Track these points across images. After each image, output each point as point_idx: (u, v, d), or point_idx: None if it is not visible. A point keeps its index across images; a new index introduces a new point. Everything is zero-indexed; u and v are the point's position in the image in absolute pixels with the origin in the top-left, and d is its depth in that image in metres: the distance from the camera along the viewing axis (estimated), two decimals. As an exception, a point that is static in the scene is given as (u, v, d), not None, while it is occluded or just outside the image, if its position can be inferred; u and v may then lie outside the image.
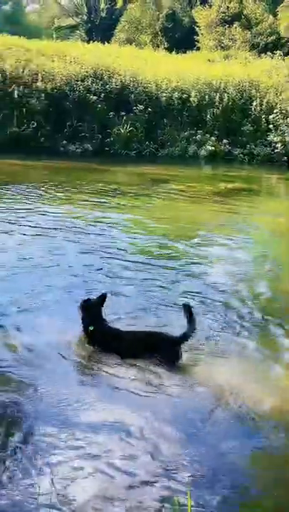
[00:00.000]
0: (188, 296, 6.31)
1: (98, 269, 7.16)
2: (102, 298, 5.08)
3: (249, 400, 4.41)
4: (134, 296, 6.36)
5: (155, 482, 3.47)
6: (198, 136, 17.51)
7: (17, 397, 4.26)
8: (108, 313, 5.24)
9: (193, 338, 4.93)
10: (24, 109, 16.75)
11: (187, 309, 4.95)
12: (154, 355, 4.81)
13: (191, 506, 3.06)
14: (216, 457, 3.78)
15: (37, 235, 8.54)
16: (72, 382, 4.63)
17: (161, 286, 6.69)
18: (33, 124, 16.59)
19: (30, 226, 8.96)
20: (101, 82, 17.88)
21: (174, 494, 3.30)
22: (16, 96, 16.84)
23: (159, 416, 4.14)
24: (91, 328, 4.95)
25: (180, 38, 29.70)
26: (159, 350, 4.83)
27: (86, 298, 5.15)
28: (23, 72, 17.41)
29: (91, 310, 5.02)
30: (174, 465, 3.64)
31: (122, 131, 17.06)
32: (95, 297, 5.17)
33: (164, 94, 17.95)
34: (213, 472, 3.61)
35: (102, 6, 31.29)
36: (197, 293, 6.50)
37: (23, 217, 9.51)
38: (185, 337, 4.86)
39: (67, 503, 3.24)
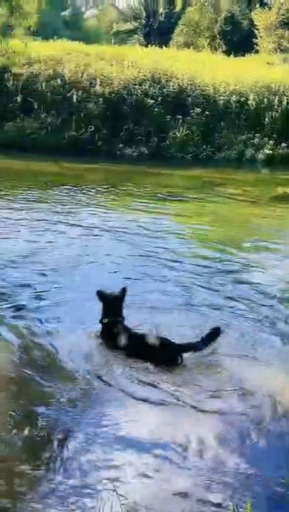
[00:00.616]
0: (236, 300, 6.24)
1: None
2: (123, 292, 5.09)
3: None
4: (178, 296, 6.33)
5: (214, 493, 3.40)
6: (256, 139, 17.26)
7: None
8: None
9: (200, 351, 4.80)
10: (82, 114, 16.98)
11: (214, 331, 4.86)
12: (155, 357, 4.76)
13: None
14: (274, 470, 3.68)
15: (89, 235, 8.64)
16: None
17: (208, 288, 6.61)
18: (91, 128, 16.78)
19: (82, 226, 9.09)
20: (158, 86, 17.91)
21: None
22: (74, 100, 17.09)
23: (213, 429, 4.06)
24: (105, 320, 5.01)
25: (238, 40, 29.46)
26: (161, 354, 4.77)
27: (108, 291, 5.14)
28: (81, 76, 17.66)
29: (111, 302, 5.05)
30: (232, 476, 3.57)
31: (179, 134, 17.02)
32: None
33: (222, 98, 17.82)
34: (272, 484, 3.51)
35: (161, 9, 31.36)
36: (244, 298, 6.38)
37: (78, 218, 9.65)
38: (188, 347, 4.79)
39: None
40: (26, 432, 3.83)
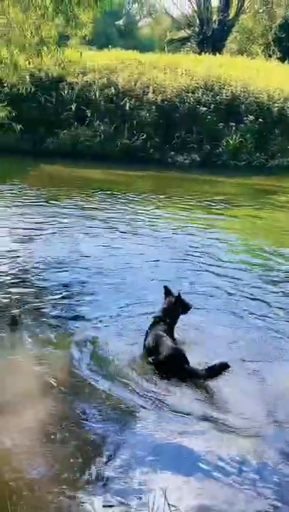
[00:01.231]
0: (274, 310, 6.21)
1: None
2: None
3: None
4: (219, 306, 6.32)
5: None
6: (311, 146, 16.96)
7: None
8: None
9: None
10: (135, 121, 17.10)
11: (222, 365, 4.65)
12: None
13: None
14: None
15: (138, 244, 8.70)
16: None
17: (251, 299, 6.56)
18: (143, 135, 16.88)
19: (133, 233, 9.22)
20: (211, 94, 17.85)
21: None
22: (127, 108, 17.24)
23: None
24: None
25: (293, 47, 29.00)
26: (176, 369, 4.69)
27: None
28: (135, 85, 17.80)
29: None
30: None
31: (231, 141, 16.90)
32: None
33: (276, 105, 17.60)
34: None
35: (214, 17, 31.24)
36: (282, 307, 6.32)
37: (129, 224, 9.73)
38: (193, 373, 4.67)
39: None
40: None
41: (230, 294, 6.70)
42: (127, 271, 7.31)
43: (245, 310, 6.24)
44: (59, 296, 6.37)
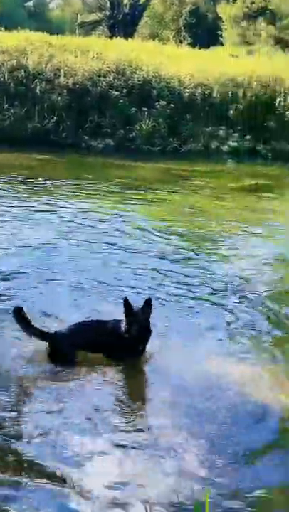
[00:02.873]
0: (191, 293, 6.35)
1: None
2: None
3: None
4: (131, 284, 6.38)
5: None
6: (221, 132, 17.30)
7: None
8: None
9: None
10: (46, 105, 16.75)
11: None
12: None
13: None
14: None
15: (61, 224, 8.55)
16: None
17: (172, 281, 6.68)
18: (55, 119, 16.57)
19: (43, 220, 9.03)
20: (123, 78, 17.79)
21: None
22: (38, 91, 16.85)
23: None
24: None
25: (203, 33, 29.48)
26: None
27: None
28: (45, 67, 17.41)
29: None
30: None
31: (144, 126, 16.94)
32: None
33: (187, 90, 17.79)
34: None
35: (125, 1, 31.14)
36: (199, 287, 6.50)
37: (40, 211, 9.54)
38: None
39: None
40: None
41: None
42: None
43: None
44: None
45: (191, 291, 6.43)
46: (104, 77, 17.61)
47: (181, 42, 28.00)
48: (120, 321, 4.83)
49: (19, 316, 4.73)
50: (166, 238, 8.49)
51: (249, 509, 3.20)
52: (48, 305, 5.74)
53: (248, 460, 3.66)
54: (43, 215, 9.33)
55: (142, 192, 11.71)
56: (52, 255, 7.43)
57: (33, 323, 4.74)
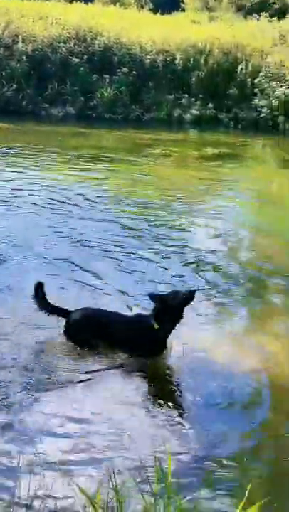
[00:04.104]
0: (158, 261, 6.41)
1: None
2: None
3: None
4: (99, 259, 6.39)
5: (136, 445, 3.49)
6: (184, 99, 17.22)
7: None
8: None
9: None
10: (4, 72, 16.35)
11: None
12: None
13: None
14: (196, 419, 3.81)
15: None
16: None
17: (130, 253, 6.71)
18: (14, 86, 16.20)
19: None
20: (84, 44, 17.47)
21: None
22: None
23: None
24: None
25: (165, -2, 28.96)
26: None
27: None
28: (3, 33, 16.93)
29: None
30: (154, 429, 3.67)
31: (106, 94, 16.73)
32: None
33: (149, 57, 17.57)
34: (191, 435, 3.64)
35: None
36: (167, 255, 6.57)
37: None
38: None
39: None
40: None
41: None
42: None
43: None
44: None
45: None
46: (65, 43, 17.26)
47: (142, 7, 27.44)
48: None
49: (40, 291, 4.54)
50: (123, 206, 8.50)
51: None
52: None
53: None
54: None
55: (103, 161, 11.63)
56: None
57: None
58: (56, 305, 4.58)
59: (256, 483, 3.13)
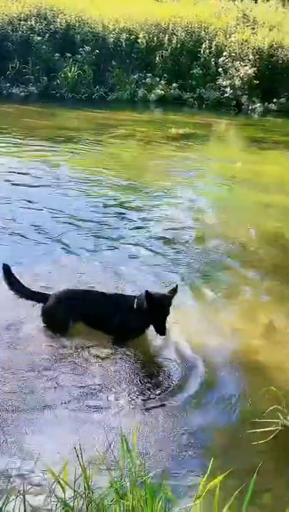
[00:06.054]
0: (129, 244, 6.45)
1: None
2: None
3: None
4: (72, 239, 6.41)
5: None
6: (148, 79, 17.09)
7: None
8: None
9: None
10: None
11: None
12: None
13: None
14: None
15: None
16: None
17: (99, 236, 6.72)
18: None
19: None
20: (45, 22, 17.14)
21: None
22: None
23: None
24: None
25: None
26: None
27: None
28: None
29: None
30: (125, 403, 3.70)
31: (69, 73, 16.48)
32: None
33: (112, 35, 17.35)
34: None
35: None
36: (138, 243, 6.56)
37: None
38: None
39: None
40: None
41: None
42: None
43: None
44: None
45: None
46: (25, 21, 16.90)
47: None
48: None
49: (9, 274, 4.41)
50: (87, 188, 8.45)
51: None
52: None
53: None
54: None
55: (67, 141, 11.50)
56: None
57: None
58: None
59: (219, 459, 3.20)
